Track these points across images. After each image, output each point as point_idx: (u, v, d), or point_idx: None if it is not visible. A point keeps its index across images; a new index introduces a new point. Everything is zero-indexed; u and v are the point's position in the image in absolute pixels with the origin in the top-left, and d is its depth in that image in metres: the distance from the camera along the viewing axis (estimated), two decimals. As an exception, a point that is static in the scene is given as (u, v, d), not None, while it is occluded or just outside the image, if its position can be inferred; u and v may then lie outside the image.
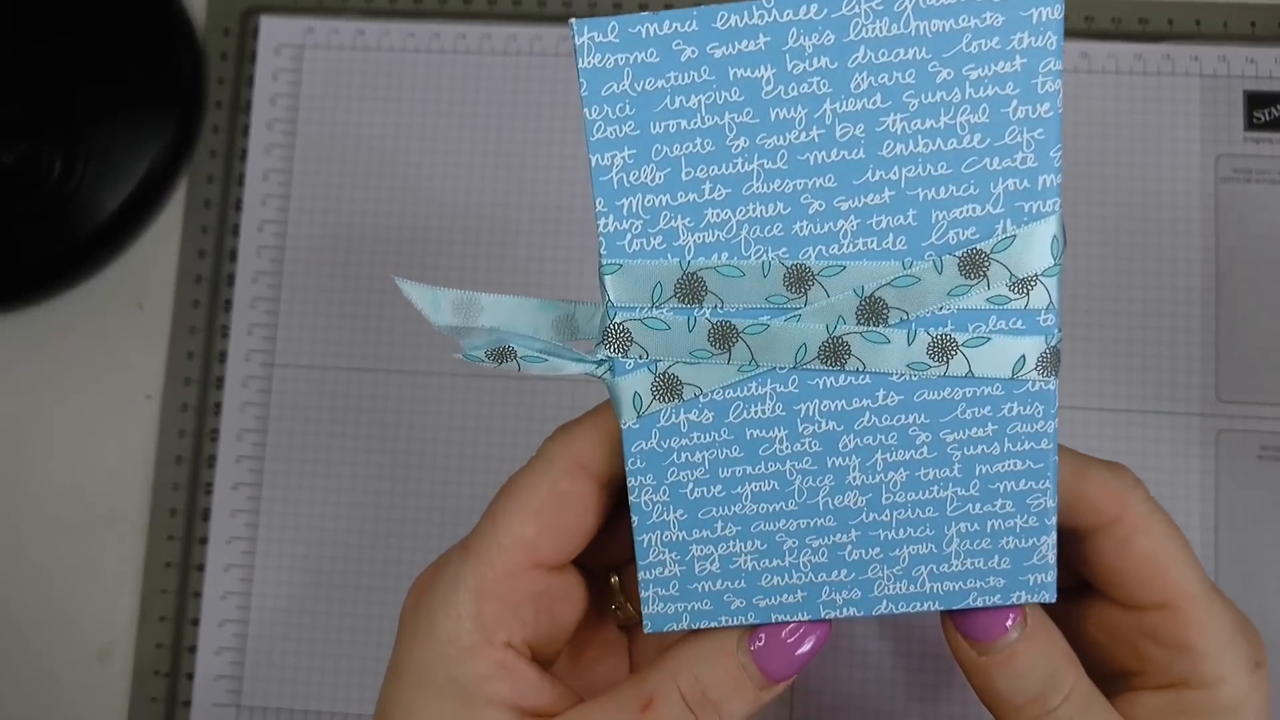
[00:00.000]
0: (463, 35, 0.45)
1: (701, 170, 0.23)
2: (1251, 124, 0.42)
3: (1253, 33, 0.43)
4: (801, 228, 0.23)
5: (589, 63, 0.23)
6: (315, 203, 0.44)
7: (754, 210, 0.23)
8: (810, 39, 0.22)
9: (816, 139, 0.22)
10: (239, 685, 0.42)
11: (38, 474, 0.44)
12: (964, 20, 0.21)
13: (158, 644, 0.42)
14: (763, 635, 0.25)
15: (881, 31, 0.21)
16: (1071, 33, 0.43)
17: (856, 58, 0.22)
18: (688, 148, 0.23)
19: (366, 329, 0.43)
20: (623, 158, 0.23)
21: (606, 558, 0.29)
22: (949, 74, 0.21)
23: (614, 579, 0.30)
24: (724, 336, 0.24)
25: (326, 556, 0.42)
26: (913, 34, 0.21)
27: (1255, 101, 0.42)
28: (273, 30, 0.45)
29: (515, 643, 0.26)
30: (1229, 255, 0.41)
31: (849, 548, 0.25)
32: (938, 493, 0.25)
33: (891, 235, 0.23)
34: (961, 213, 0.22)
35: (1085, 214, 0.42)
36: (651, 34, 0.22)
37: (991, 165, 0.22)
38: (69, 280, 0.44)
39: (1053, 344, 0.23)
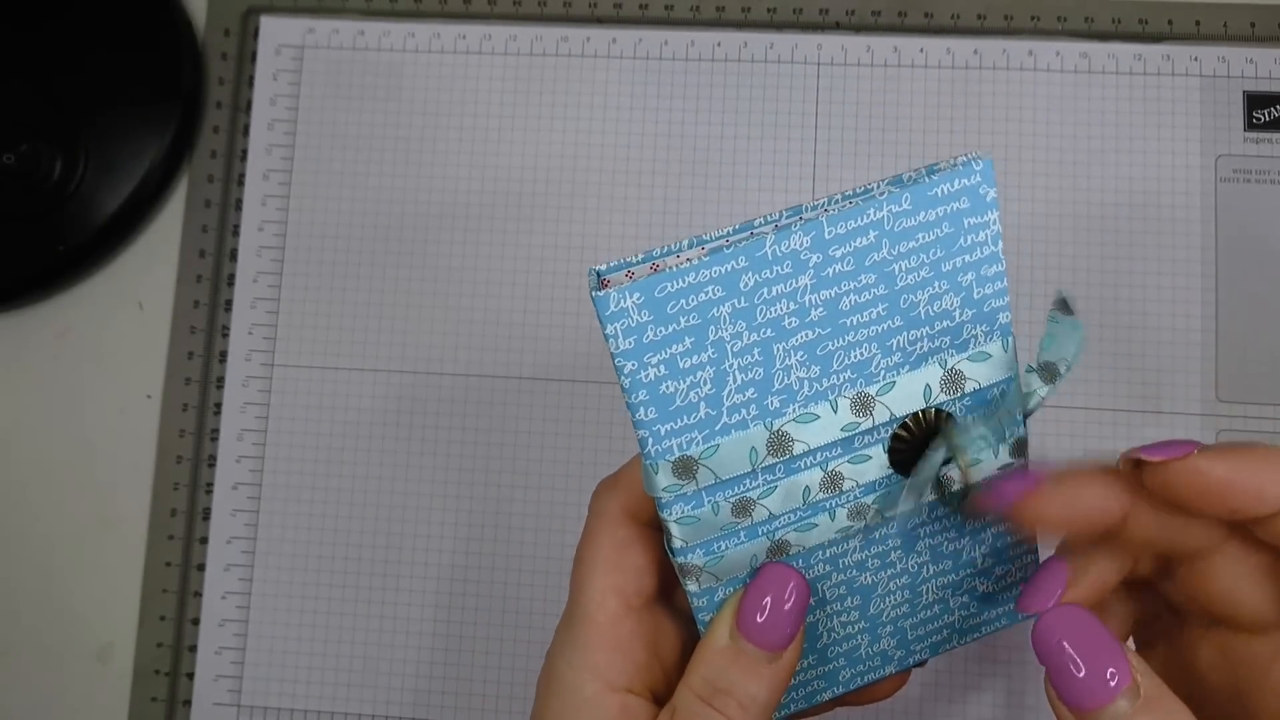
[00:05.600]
0: (463, 35, 0.45)
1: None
2: (1251, 124, 0.42)
3: (1252, 33, 0.43)
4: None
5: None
6: (315, 203, 0.44)
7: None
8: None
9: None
10: (239, 685, 0.42)
11: (38, 474, 0.44)
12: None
13: (158, 643, 0.42)
14: (752, 612, 0.26)
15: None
16: (1072, 33, 0.43)
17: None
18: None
19: (366, 329, 0.43)
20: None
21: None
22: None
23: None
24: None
25: (326, 556, 0.42)
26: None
27: (1255, 102, 0.42)
28: (273, 30, 0.45)
29: (636, 688, 0.28)
30: (1229, 255, 0.41)
31: None
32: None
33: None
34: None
35: (1085, 214, 0.42)
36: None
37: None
38: (69, 280, 0.44)
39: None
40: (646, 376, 0.25)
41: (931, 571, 0.29)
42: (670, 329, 0.24)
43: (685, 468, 0.26)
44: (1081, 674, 0.23)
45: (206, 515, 0.43)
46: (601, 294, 0.24)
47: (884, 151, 0.43)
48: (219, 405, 0.43)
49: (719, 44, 0.44)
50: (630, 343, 0.24)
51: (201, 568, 0.42)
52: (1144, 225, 0.42)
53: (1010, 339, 0.26)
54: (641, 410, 0.25)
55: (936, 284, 0.26)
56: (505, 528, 0.42)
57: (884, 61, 0.43)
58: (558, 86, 0.44)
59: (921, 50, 0.43)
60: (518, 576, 0.41)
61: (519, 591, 0.41)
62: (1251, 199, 0.42)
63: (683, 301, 0.24)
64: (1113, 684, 0.23)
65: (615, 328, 0.24)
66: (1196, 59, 0.43)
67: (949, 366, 0.26)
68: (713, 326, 0.25)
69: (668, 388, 0.25)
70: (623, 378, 0.25)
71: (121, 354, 0.44)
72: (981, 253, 0.26)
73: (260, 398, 0.43)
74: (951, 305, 0.26)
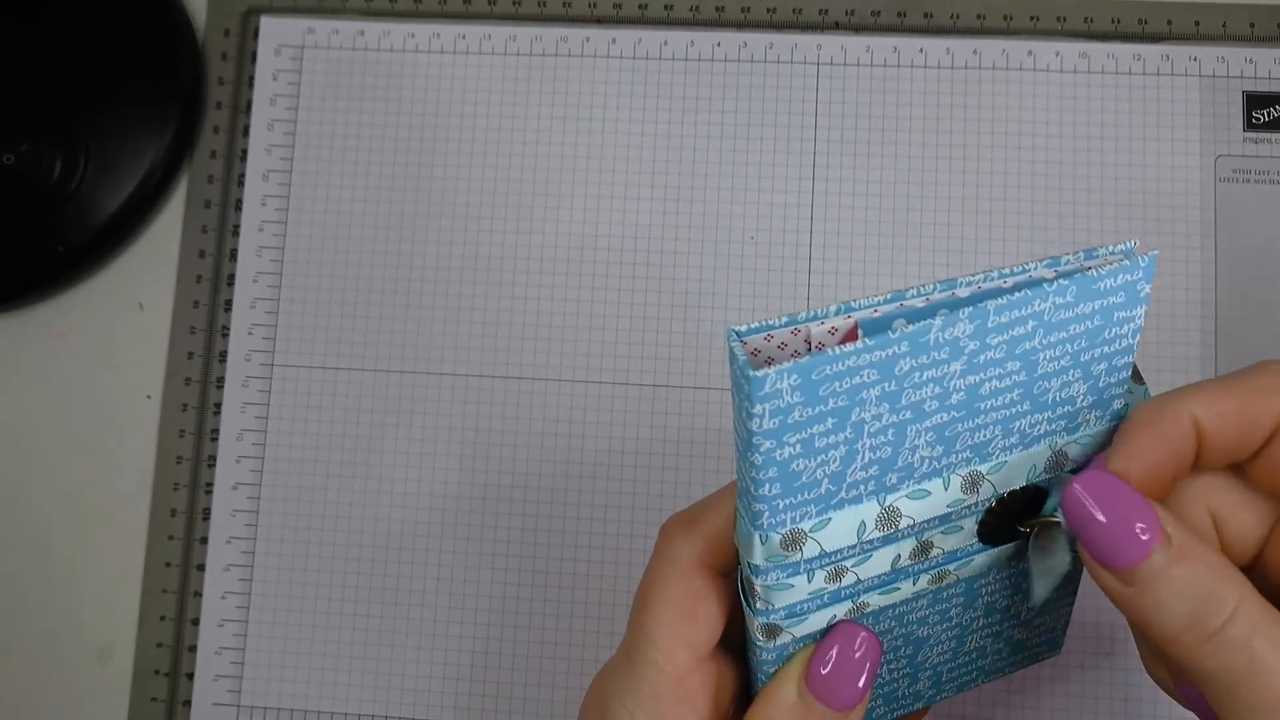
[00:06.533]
0: (462, 35, 0.45)
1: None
2: (1250, 124, 0.42)
3: (1252, 33, 0.43)
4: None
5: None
6: (315, 203, 0.44)
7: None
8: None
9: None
10: (239, 685, 0.42)
11: (38, 474, 0.44)
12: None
13: (158, 644, 0.42)
14: (823, 669, 0.26)
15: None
16: (1071, 33, 0.43)
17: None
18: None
19: (366, 329, 0.43)
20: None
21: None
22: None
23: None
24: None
25: (326, 556, 0.42)
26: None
27: (1254, 102, 0.42)
28: (273, 30, 0.45)
29: None
30: (1229, 255, 0.41)
31: None
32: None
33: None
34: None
35: (1085, 214, 0.42)
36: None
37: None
38: (69, 280, 0.44)
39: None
40: (781, 455, 0.23)
41: (981, 625, 0.29)
42: (816, 410, 0.23)
43: (793, 541, 0.24)
44: (1111, 533, 0.23)
45: (206, 515, 0.43)
46: (759, 374, 0.21)
47: (884, 151, 0.43)
48: (219, 405, 0.43)
49: (718, 44, 0.44)
50: (775, 423, 0.22)
51: (201, 568, 0.42)
52: (1143, 225, 0.42)
53: (1119, 421, 0.26)
54: (767, 486, 0.24)
55: (1071, 373, 0.25)
56: (505, 528, 0.42)
57: (883, 61, 0.43)
58: (558, 86, 0.44)
59: (921, 50, 0.43)
60: (517, 576, 0.41)
61: (518, 591, 0.41)
62: (1251, 199, 0.42)
63: (836, 385, 0.22)
64: (1145, 538, 0.23)
65: (764, 408, 0.22)
66: (1195, 59, 0.43)
67: (1057, 448, 0.26)
68: (857, 408, 0.23)
69: (798, 466, 0.23)
70: (756, 454, 0.23)
71: (121, 354, 0.44)
72: (1119, 344, 0.25)
73: (260, 398, 0.43)
74: (1078, 392, 0.25)
